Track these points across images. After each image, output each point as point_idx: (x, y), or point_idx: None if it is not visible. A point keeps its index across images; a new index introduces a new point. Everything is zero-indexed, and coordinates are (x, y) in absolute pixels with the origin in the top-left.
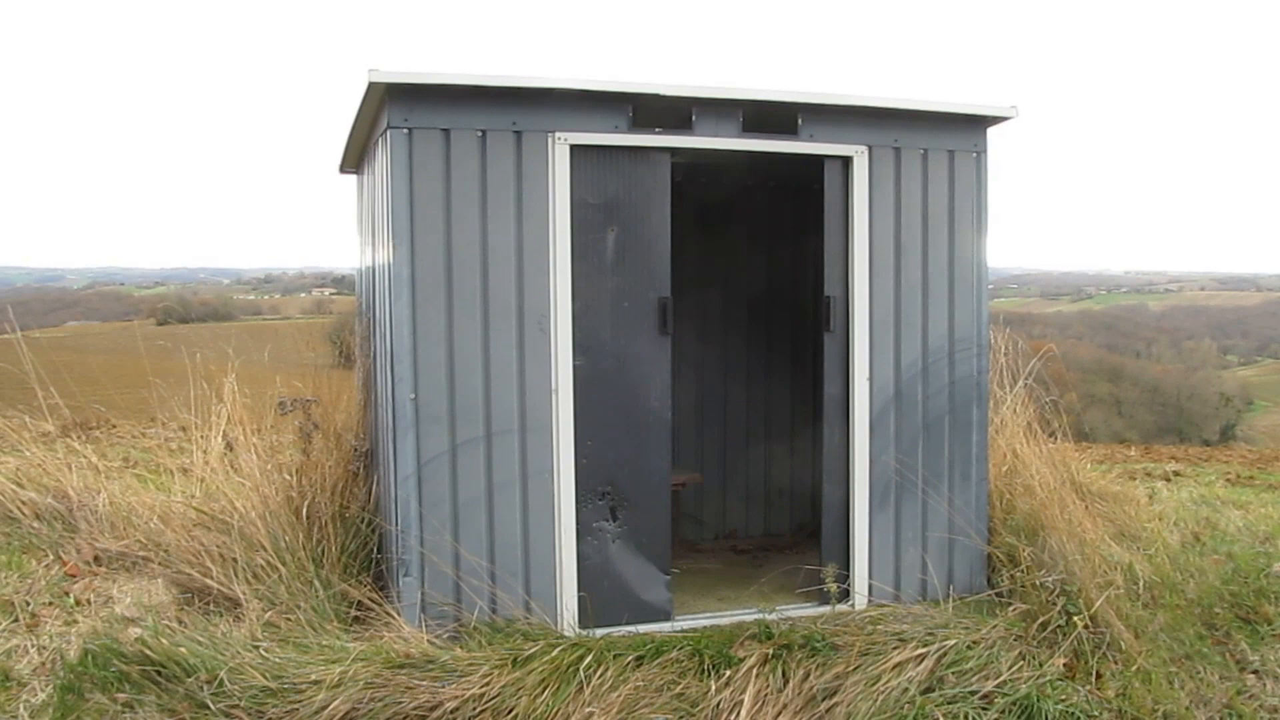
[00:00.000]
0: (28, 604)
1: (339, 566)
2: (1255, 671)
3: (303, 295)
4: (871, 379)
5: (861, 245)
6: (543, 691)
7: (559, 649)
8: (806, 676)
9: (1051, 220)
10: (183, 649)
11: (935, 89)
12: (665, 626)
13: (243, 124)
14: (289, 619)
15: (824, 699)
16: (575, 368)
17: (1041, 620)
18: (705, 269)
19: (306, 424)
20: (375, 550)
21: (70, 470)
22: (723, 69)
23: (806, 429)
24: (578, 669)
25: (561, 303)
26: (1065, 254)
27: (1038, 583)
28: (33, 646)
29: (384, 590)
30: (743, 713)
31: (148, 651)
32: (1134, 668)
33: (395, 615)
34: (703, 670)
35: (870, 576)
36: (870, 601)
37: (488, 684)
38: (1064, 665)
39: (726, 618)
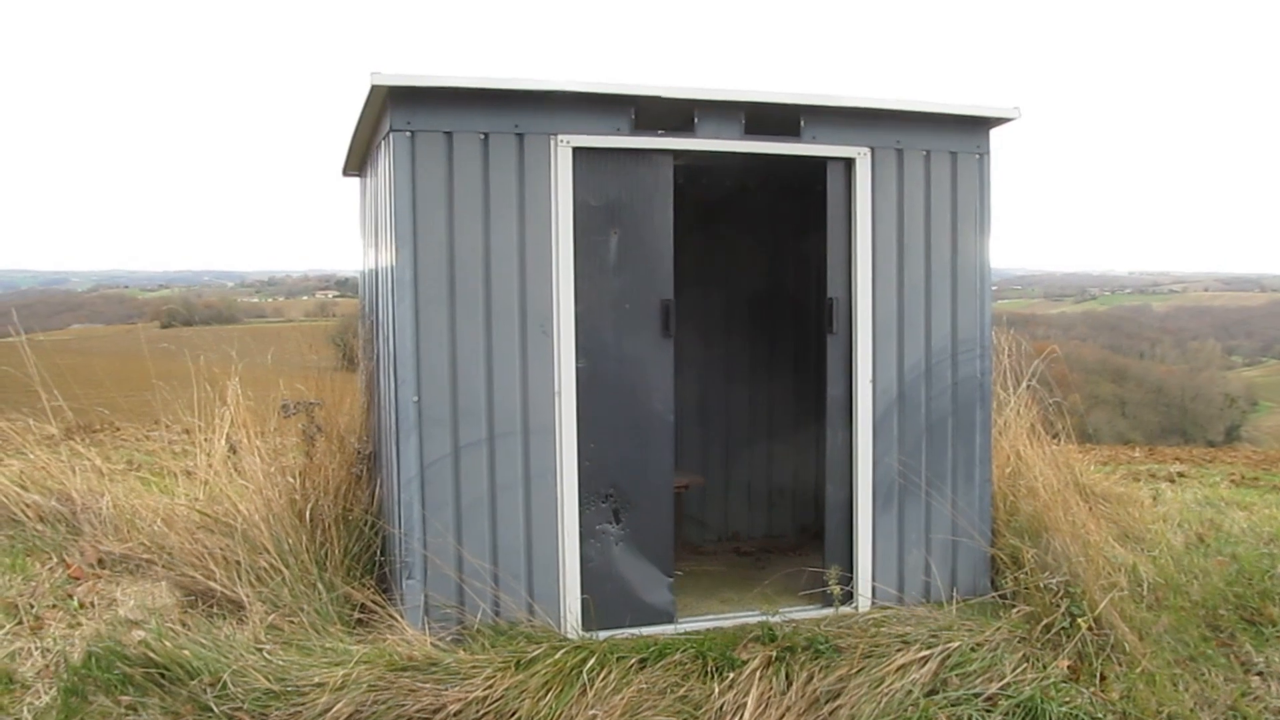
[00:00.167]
0: (31, 606)
1: (342, 569)
2: (1260, 673)
3: (304, 298)
4: (874, 380)
5: (864, 247)
6: (546, 694)
7: (562, 651)
8: (810, 679)
9: (1055, 221)
10: (186, 651)
11: (938, 90)
12: (668, 629)
13: (247, 127)
14: (292, 621)
15: (827, 701)
16: (578, 370)
17: (1045, 622)
18: (707, 270)
19: (310, 427)
20: (378, 553)
21: (74, 473)
22: (725, 71)
23: (809, 430)
24: (581, 671)
25: (564, 305)
26: (1069, 255)
27: (1041, 584)
28: (36, 649)
29: (387, 593)
30: (746, 715)
31: (151, 654)
32: (1138, 670)
33: (398, 618)
34: (706, 673)
35: (873, 578)
36: (874, 603)
37: (491, 687)
38: (1068, 667)
39: (730, 620)
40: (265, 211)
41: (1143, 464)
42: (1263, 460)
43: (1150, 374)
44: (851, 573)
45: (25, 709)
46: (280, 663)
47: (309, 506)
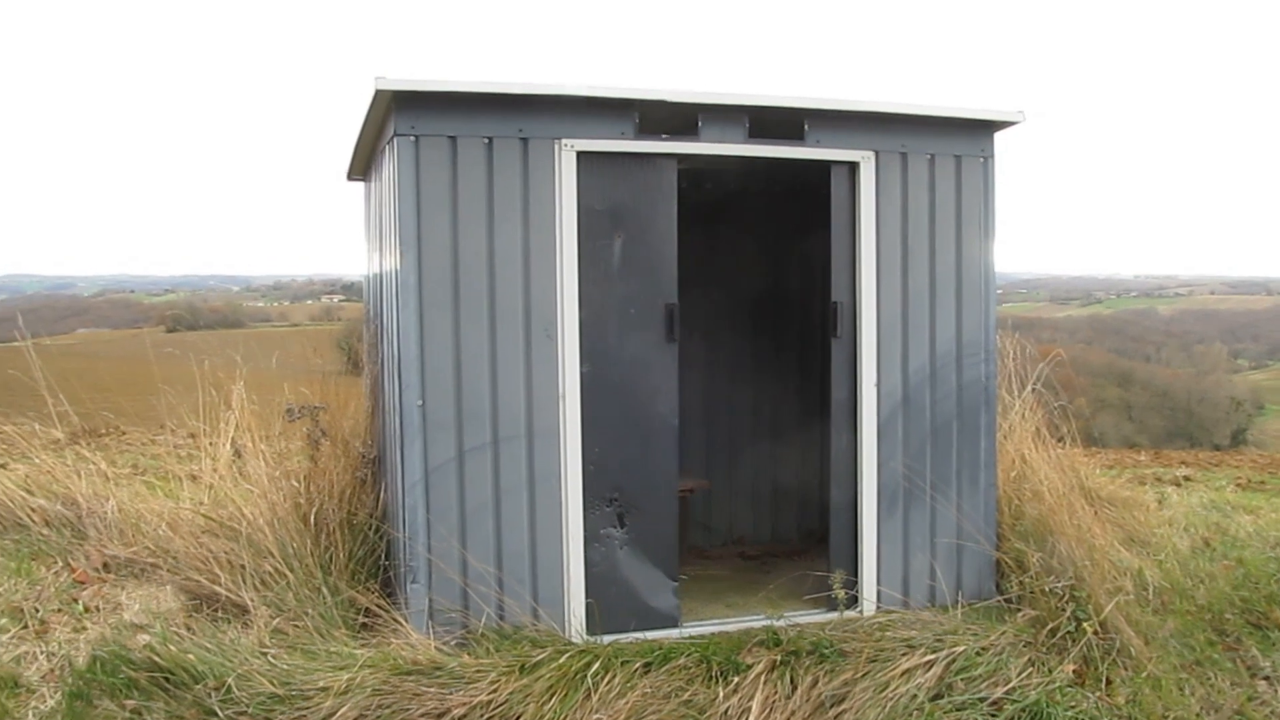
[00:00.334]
0: (37, 610)
1: (347, 573)
2: (1266, 677)
3: (310, 302)
4: (879, 384)
5: (868, 250)
6: (550, 698)
7: (566, 655)
8: (815, 683)
9: (1061, 225)
10: (191, 656)
11: (942, 94)
12: (673, 633)
13: (253, 132)
14: (297, 626)
15: (832, 705)
16: (582, 374)
17: (1051, 626)
18: (711, 273)
19: (314, 431)
20: (383, 557)
21: (79, 477)
22: (728, 75)
23: (814, 434)
24: (585, 676)
25: (568, 309)
26: (1074, 258)
27: (1047, 588)
28: (42, 653)
29: (391, 597)
30: (751, 719)
31: (156, 658)
32: (1144, 674)
33: (403, 622)
34: (711, 677)
35: (878, 582)
36: (878, 607)
37: (495, 691)
38: (1073, 671)
39: (734, 624)
40: (271, 216)
41: (1148, 468)
42: (1269, 464)
43: (1156, 377)
44: (856, 577)
45: (30, 713)
46: (285, 667)
47: (314, 511)
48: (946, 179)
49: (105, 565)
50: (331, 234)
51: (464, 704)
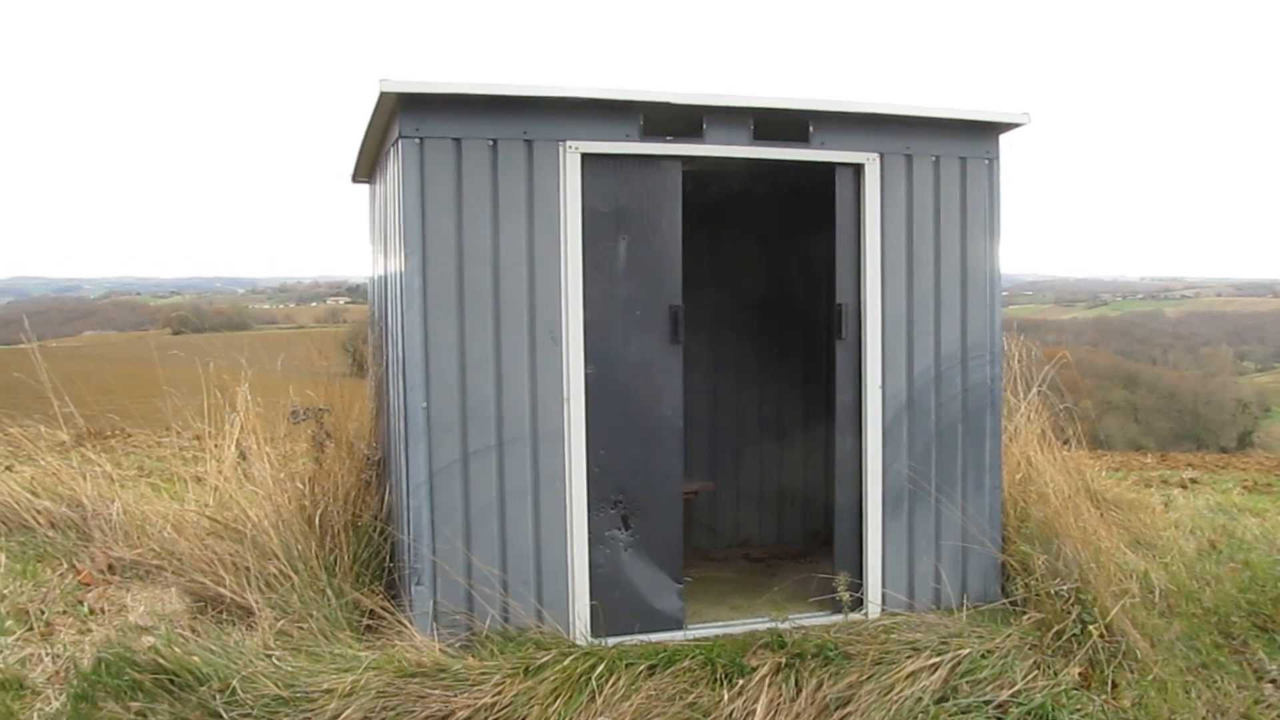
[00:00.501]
0: (42, 612)
1: (351, 575)
2: (1273, 680)
3: (314, 304)
4: (884, 386)
5: (873, 253)
6: (555, 700)
7: (571, 658)
8: (819, 686)
9: (1067, 226)
10: (196, 658)
11: (947, 95)
12: (677, 635)
13: (259, 134)
14: (301, 628)
15: (837, 708)
16: (587, 376)
17: (1056, 629)
18: (715, 274)
19: (319, 433)
20: (387, 559)
21: (85, 479)
22: (733, 76)
23: (819, 436)
24: (590, 678)
25: (573, 311)
26: (1080, 260)
27: (1052, 591)
28: (47, 655)
29: (396, 599)
30: None
31: (161, 660)
32: (1150, 677)
33: (407, 624)
34: (715, 679)
35: (883, 585)
36: (883, 610)
37: (500, 693)
38: (1079, 674)
39: (739, 626)
40: (277, 218)
41: (1155, 470)
42: (1275, 466)
43: (1162, 380)
44: (861, 579)
45: (35, 715)
46: (289, 669)
47: (318, 512)
48: (951, 181)
49: (110, 567)
50: (337, 236)
51: (468, 706)
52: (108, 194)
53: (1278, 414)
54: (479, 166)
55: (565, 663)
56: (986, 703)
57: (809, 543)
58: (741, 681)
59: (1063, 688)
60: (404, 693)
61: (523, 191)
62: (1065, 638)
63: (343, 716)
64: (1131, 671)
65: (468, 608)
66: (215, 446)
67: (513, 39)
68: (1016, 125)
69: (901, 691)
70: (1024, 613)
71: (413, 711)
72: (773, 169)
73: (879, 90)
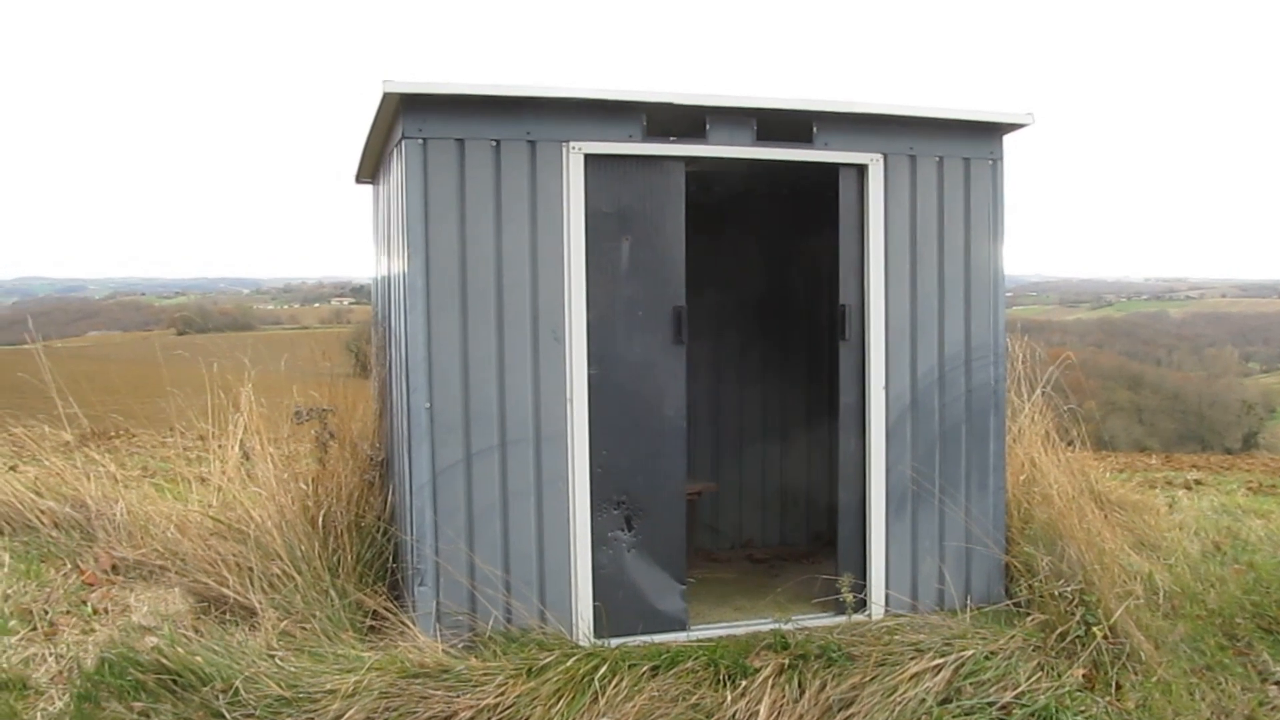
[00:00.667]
0: (46, 612)
1: (354, 576)
2: (1277, 682)
3: (318, 305)
4: (887, 387)
5: (877, 253)
6: (557, 701)
7: (574, 659)
8: (823, 687)
9: (1071, 227)
10: (199, 658)
11: (951, 96)
12: (680, 636)
13: (263, 135)
14: (304, 628)
15: (840, 709)
16: (590, 376)
17: (1060, 630)
18: (718, 274)
19: (323, 433)
20: (390, 559)
21: (89, 479)
22: (737, 77)
23: (823, 436)
24: (592, 679)
25: (576, 312)
26: (1085, 261)
27: (1056, 592)
28: (50, 655)
29: (399, 599)
30: None
31: (164, 660)
32: (1154, 679)
33: (410, 624)
34: (718, 680)
35: (887, 586)
36: (887, 611)
37: (502, 694)
38: (1083, 676)
39: (742, 627)
40: (281, 219)
41: (1159, 471)
42: None
43: (1167, 381)
44: (865, 580)
45: (39, 715)
46: (292, 669)
47: (321, 513)
48: (955, 181)
49: (114, 567)
50: (341, 237)
51: (471, 707)
52: (113, 194)
53: None
54: (482, 167)
55: (568, 664)
56: (990, 704)
57: (812, 544)
58: (745, 683)
59: (1067, 689)
60: (407, 693)
61: (526, 192)
62: (1069, 639)
63: (345, 717)
64: (1135, 673)
65: (470, 608)
66: (219, 447)
67: (516, 40)
68: (1020, 126)
69: (905, 693)
70: (1028, 614)
71: (415, 712)
72: (775, 169)
73: (882, 91)
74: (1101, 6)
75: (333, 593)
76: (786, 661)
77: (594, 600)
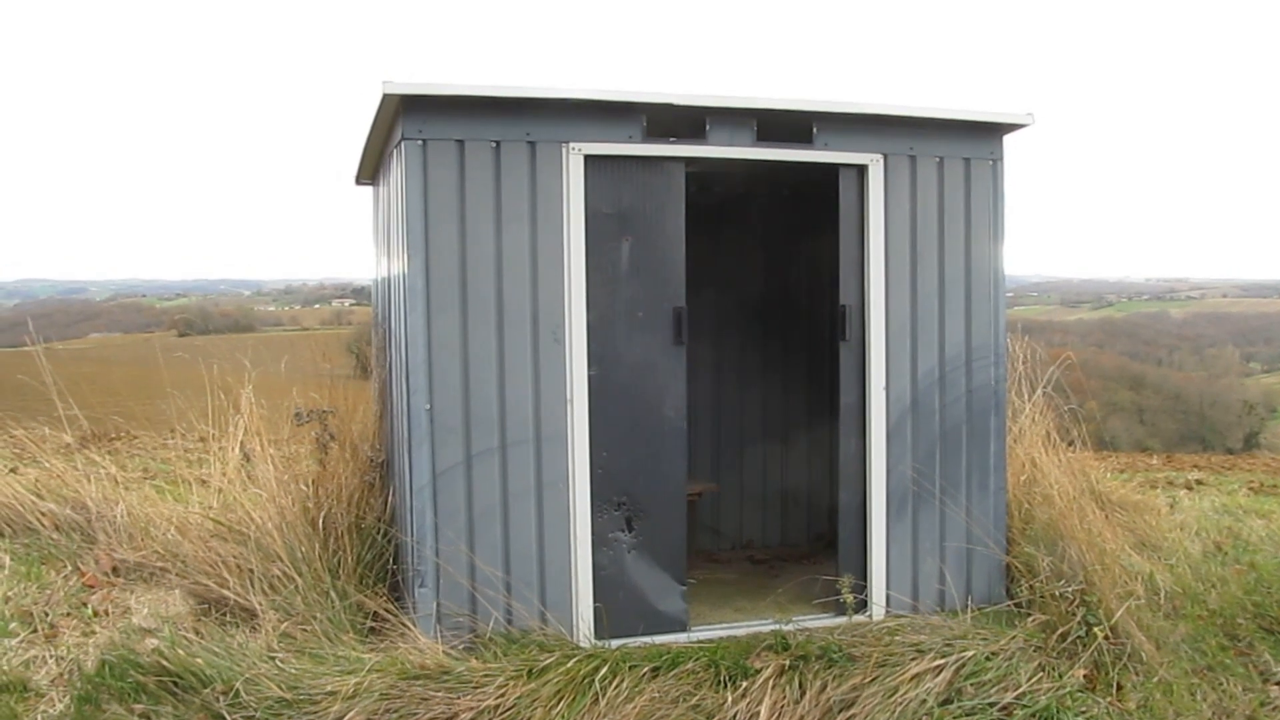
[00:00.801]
0: (46, 614)
1: (355, 577)
2: (1279, 683)
3: (318, 306)
4: (888, 388)
5: (877, 254)
6: (558, 703)
7: (574, 660)
8: (823, 688)
9: (1072, 227)
10: (199, 660)
11: (951, 96)
12: (681, 637)
13: (264, 136)
14: (305, 630)
15: (841, 710)
16: (590, 378)
17: (1061, 631)
18: (718, 274)
19: (323, 435)
20: (391, 561)
21: (89, 481)
22: (737, 77)
23: (823, 437)
24: (593, 680)
25: (576, 313)
26: (1086, 261)
27: (1057, 593)
28: (51, 657)
29: (399, 601)
30: None
31: (164, 662)
32: (1155, 679)
33: (411, 626)
34: (719, 681)
35: (887, 587)
36: (888, 612)
37: (503, 695)
38: (1084, 676)
39: (743, 628)
40: (282, 220)
41: (1160, 471)
42: None
43: (1168, 381)
44: (865, 581)
45: (39, 717)
46: (293, 671)
47: (322, 514)
48: (955, 182)
49: (114, 569)
50: (342, 238)
51: (471, 708)
52: (114, 196)
53: None
54: (482, 168)
55: (569, 665)
56: (991, 705)
57: (813, 544)
58: (745, 684)
59: (1068, 690)
60: (407, 695)
61: (526, 193)
62: (1070, 640)
63: (346, 719)
64: (1137, 674)
65: (471, 610)
66: (219, 449)
67: (515, 40)
68: (1020, 126)
69: (906, 694)
70: (1029, 615)
71: (416, 714)
72: (775, 170)
73: (882, 91)
74: (1102, 6)
75: (333, 594)
76: (787, 662)
77: (594, 601)
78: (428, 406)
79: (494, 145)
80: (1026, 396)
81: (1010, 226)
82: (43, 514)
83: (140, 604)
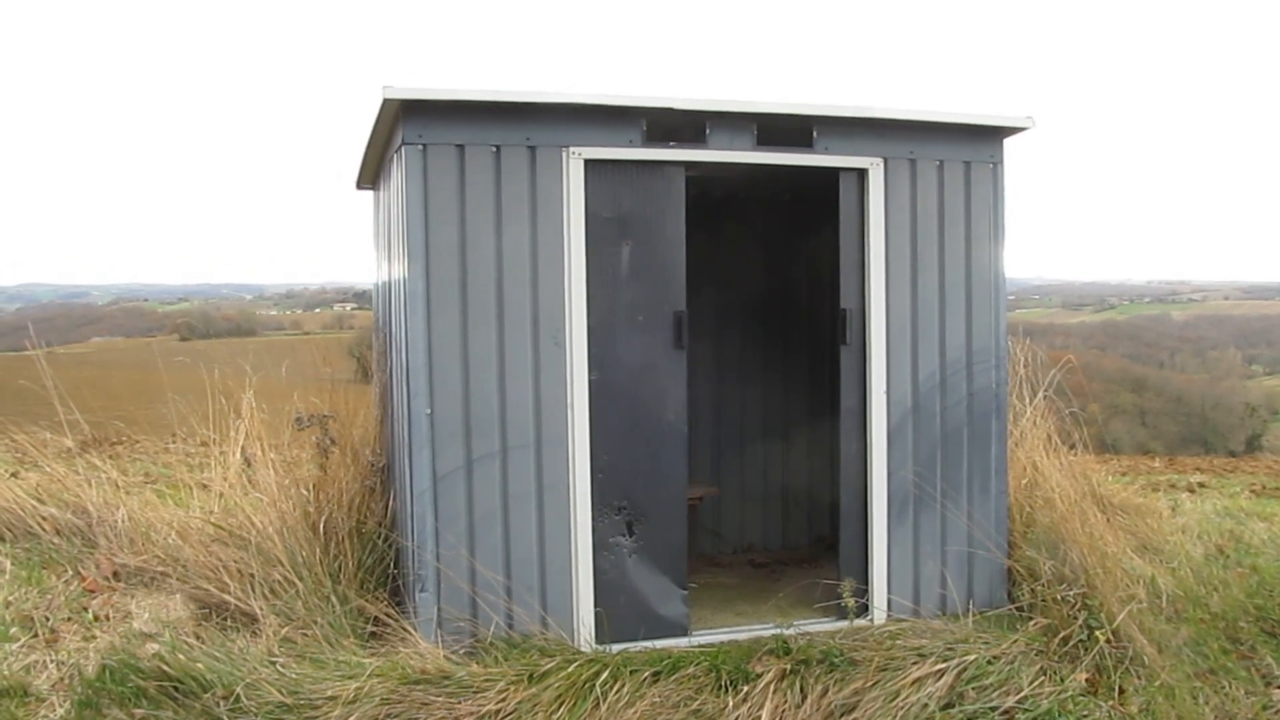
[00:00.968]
0: (47, 619)
1: (355, 582)
2: None
3: (319, 310)
4: (889, 391)
5: (877, 257)
6: (559, 708)
7: (575, 665)
8: (825, 692)
9: (1073, 230)
10: (200, 665)
11: (951, 99)
12: (682, 642)
13: (266, 141)
14: (305, 634)
15: (842, 715)
16: (590, 382)
17: (1063, 635)
18: (719, 276)
19: (324, 439)
20: (392, 565)
21: (90, 486)
22: (737, 81)
23: (824, 440)
24: (594, 685)
25: (576, 317)
26: (1087, 264)
27: (1059, 597)
28: (51, 662)
29: (400, 606)
30: None
31: (165, 667)
32: (1157, 683)
33: (411, 631)
34: (720, 686)
35: (889, 590)
36: (889, 616)
37: (504, 700)
38: (1086, 680)
39: (744, 633)
40: (284, 224)
41: (1162, 474)
42: None
43: (1170, 383)
44: (866, 585)
45: None
46: (293, 676)
47: (323, 519)
48: (955, 185)
49: (115, 574)
50: (345, 242)
51: (472, 713)
52: (116, 201)
53: None
54: (482, 172)
55: (569, 669)
56: (993, 709)
57: (815, 547)
58: (746, 688)
59: (1069, 694)
60: (408, 700)
61: (526, 197)
62: (1072, 644)
63: None
64: (1139, 677)
65: (472, 614)
66: (220, 453)
67: (516, 45)
68: (1020, 129)
69: (907, 698)
70: (1030, 618)
71: (417, 719)
72: (776, 173)
73: (882, 95)
74: (1102, 9)
75: (334, 599)
76: (788, 667)
77: (595, 606)
78: (428, 411)
79: (494, 150)
80: (1028, 399)
81: (1011, 229)
82: (44, 518)
83: (141, 609)
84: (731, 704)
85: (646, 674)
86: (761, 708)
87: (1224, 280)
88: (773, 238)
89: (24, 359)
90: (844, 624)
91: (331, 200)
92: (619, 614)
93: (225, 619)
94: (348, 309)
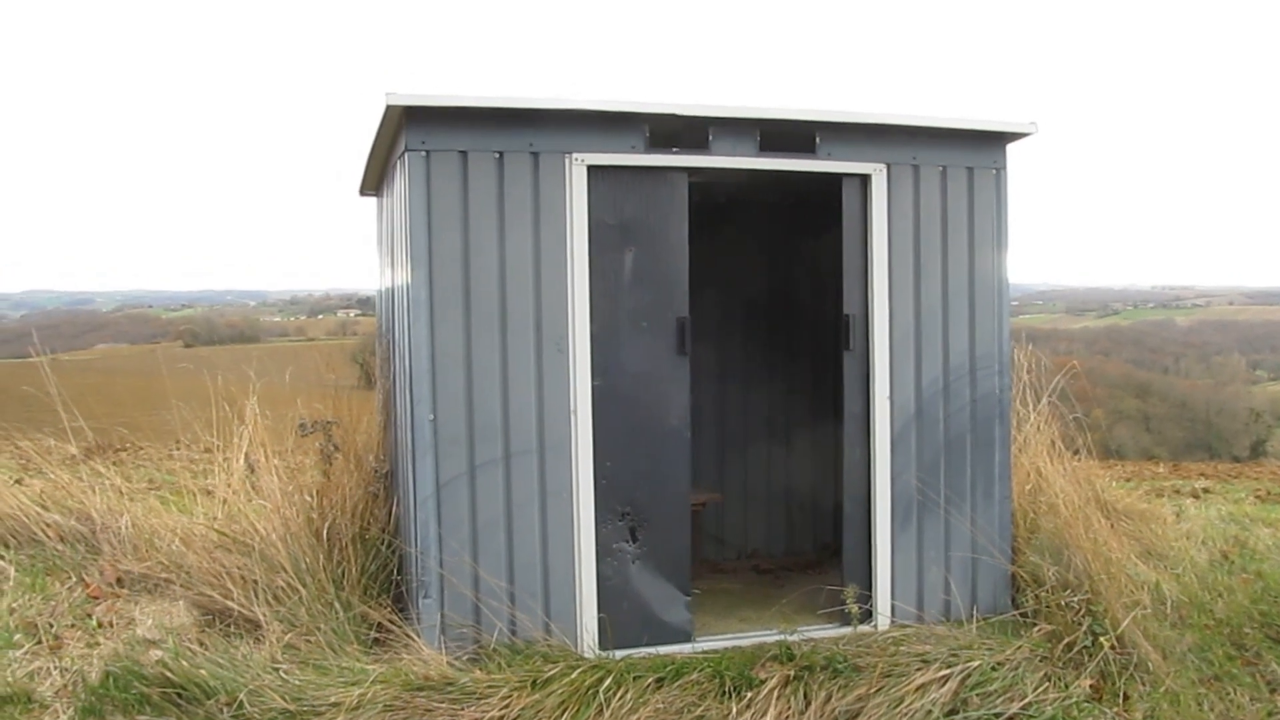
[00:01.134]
0: (51, 626)
1: (359, 588)
2: None
3: (323, 317)
4: (892, 397)
5: (880, 263)
6: (562, 714)
7: (579, 671)
8: (828, 698)
9: (1077, 235)
10: (203, 671)
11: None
12: (686, 648)
13: (270, 147)
14: (309, 641)
15: None
16: (594, 388)
17: (1067, 641)
18: (722, 280)
19: (327, 446)
20: (395, 572)
21: (94, 492)
22: (739, 87)
23: (827, 446)
24: (597, 691)
25: (580, 323)
26: (1091, 269)
27: (1063, 603)
28: (55, 668)
29: (403, 612)
30: None
31: (168, 674)
32: (1162, 689)
33: (415, 637)
34: (724, 692)
35: (893, 596)
36: (893, 622)
37: (507, 706)
38: (1090, 686)
39: (748, 639)
40: (288, 231)
41: (1167, 480)
42: None
43: (1174, 389)
44: (870, 591)
45: None
46: (297, 682)
47: (326, 525)
48: (959, 191)
49: (119, 580)
50: (349, 249)
51: (475, 719)
52: (120, 207)
53: None
54: (485, 178)
55: (573, 676)
56: (997, 715)
57: (819, 553)
58: (750, 694)
59: (1074, 700)
60: (411, 706)
61: (529, 203)
62: (1076, 649)
63: None
64: (1143, 683)
65: (475, 620)
66: (224, 460)
67: (519, 51)
68: (1024, 135)
69: (911, 704)
70: (1034, 624)
71: None
72: (779, 179)
73: (885, 100)
74: (1106, 14)
75: (337, 605)
76: (792, 673)
77: (599, 612)
78: (431, 417)
79: (497, 156)
80: (1031, 405)
81: (1014, 235)
82: (48, 525)
83: (144, 615)
84: (735, 710)
85: (650, 680)
86: (765, 714)
87: (1228, 285)
88: (775, 241)
89: (28, 366)
90: (848, 630)
91: (335, 205)
92: (622, 620)
93: (229, 625)
94: (351, 315)
